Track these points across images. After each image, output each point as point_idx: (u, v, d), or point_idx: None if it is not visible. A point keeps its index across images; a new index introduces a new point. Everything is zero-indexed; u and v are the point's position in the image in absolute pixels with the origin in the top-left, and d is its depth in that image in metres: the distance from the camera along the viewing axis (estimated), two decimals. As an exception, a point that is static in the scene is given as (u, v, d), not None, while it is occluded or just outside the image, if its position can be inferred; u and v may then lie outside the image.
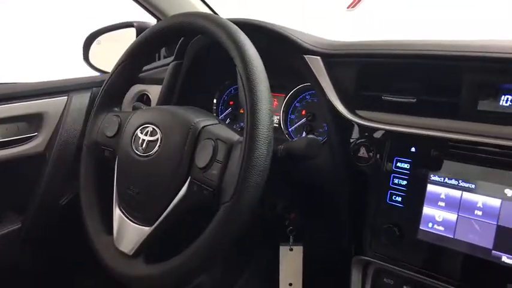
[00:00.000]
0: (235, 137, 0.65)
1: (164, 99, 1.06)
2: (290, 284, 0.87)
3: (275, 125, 1.06)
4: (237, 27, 0.67)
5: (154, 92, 1.13)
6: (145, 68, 1.24)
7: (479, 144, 0.62)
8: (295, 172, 0.85)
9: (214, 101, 1.14)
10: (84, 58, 1.32)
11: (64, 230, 0.81)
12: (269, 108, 0.61)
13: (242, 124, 1.11)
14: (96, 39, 1.32)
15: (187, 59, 1.01)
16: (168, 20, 0.77)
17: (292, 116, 1.01)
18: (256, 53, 0.65)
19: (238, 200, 0.58)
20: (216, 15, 0.72)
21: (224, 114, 1.14)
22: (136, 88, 1.19)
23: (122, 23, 1.28)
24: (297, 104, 1.00)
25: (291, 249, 0.86)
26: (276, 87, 1.07)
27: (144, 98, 1.17)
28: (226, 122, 1.15)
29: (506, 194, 0.59)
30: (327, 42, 0.82)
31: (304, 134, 0.98)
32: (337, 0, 2.70)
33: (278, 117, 1.03)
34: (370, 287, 0.76)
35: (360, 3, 2.68)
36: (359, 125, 0.73)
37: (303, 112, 0.99)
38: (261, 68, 0.63)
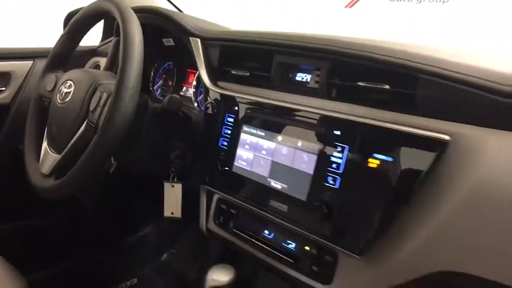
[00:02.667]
0: None
1: (108, 69, 1.33)
2: (172, 213, 1.13)
3: (188, 95, 1.33)
4: (129, 8, 0.89)
5: (104, 63, 1.42)
6: (102, 42, 1.53)
7: (273, 106, 0.87)
8: (184, 128, 1.11)
9: (152, 73, 1.41)
10: (64, 34, 1.61)
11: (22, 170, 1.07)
12: (137, 65, 0.79)
13: (171, 92, 1.38)
14: (76, 17, 1.60)
15: None
16: (92, 5, 1.04)
17: (201, 89, 1.28)
18: (138, 27, 0.85)
19: (104, 131, 0.82)
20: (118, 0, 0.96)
21: (157, 85, 1.42)
22: (93, 60, 1.49)
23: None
24: None
25: (173, 186, 1.11)
26: (194, 66, 1.33)
27: (98, 68, 1.47)
28: (157, 92, 1.42)
29: (278, 139, 0.84)
30: (208, 28, 1.07)
31: (206, 103, 1.24)
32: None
33: (192, 89, 1.30)
34: (214, 211, 1.02)
35: (358, 2, 2.85)
36: (214, 91, 0.99)
37: None
38: (137, 34, 0.83)
